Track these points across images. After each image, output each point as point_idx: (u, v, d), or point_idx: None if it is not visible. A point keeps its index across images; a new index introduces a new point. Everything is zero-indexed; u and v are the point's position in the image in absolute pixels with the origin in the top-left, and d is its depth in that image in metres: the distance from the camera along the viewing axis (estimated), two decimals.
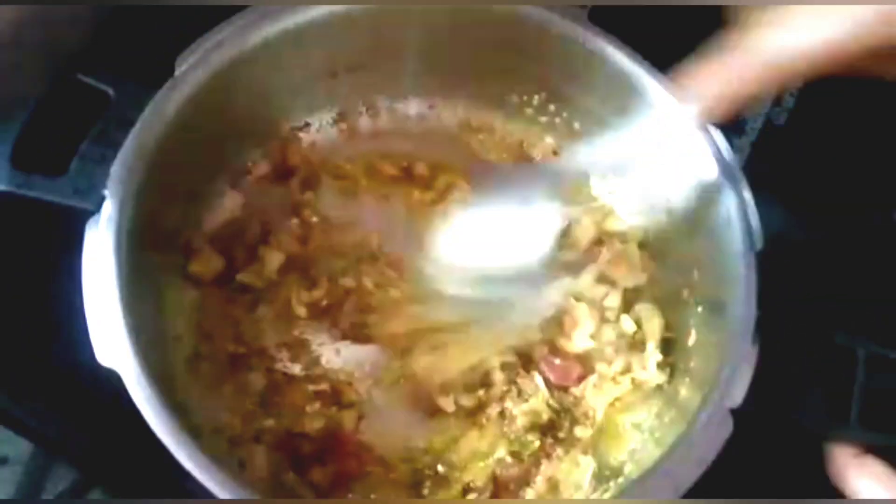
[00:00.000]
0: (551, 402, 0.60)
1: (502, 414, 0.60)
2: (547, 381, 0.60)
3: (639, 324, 0.62)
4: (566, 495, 0.58)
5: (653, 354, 0.61)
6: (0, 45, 0.58)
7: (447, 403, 0.59)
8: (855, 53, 0.36)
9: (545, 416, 0.59)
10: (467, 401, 0.60)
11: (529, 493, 0.58)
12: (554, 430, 0.60)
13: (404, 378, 0.60)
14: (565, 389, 0.61)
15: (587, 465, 0.58)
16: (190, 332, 0.60)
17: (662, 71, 0.59)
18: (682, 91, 0.43)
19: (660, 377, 0.60)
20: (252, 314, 0.61)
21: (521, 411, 0.59)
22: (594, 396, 0.60)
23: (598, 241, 0.65)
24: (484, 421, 0.60)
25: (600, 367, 0.61)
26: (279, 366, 0.60)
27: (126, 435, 0.49)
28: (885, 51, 0.36)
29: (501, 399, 0.60)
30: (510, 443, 0.59)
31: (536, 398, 0.59)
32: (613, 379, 0.61)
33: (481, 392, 0.60)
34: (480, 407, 0.60)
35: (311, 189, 0.66)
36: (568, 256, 0.64)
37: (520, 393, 0.60)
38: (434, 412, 0.60)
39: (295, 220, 0.64)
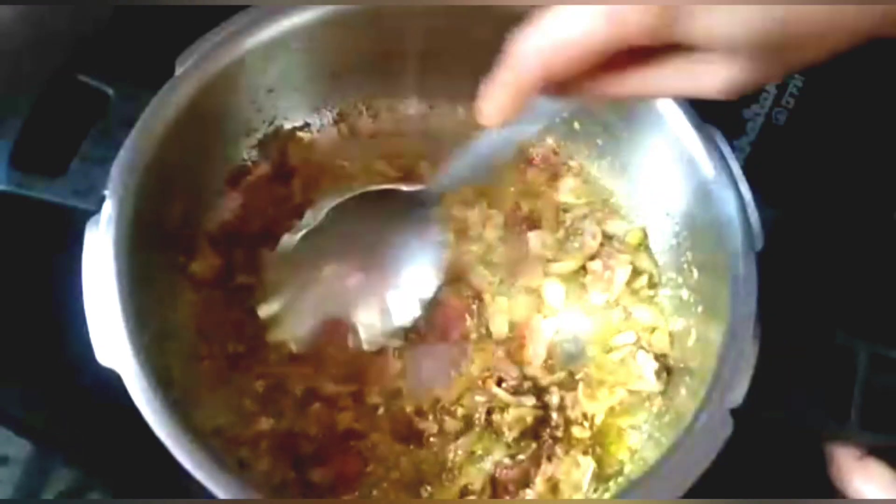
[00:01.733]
0: (528, 403, 0.59)
1: (491, 423, 0.59)
2: (516, 388, 0.60)
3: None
4: (566, 496, 0.58)
5: (648, 363, 0.60)
6: (0, 48, 0.58)
7: (429, 426, 0.59)
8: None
9: (530, 419, 0.59)
10: (450, 424, 0.60)
11: (529, 494, 0.58)
12: (547, 428, 0.60)
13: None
14: (545, 389, 0.61)
15: (587, 465, 0.58)
16: (190, 332, 0.60)
17: None
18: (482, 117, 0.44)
19: (657, 386, 0.60)
20: (251, 314, 0.61)
21: (506, 421, 0.59)
22: (590, 403, 0.60)
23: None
24: (476, 427, 0.59)
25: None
26: (278, 366, 0.60)
27: (126, 435, 0.49)
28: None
29: (489, 412, 0.60)
30: (507, 446, 0.59)
31: (516, 408, 0.59)
32: (610, 388, 0.61)
33: (459, 410, 0.60)
34: (468, 423, 0.60)
35: (311, 189, 0.66)
36: (570, 265, 0.64)
37: (504, 407, 0.60)
38: (416, 437, 0.59)
39: (296, 221, 0.64)
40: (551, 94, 0.41)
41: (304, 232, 0.57)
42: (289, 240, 0.58)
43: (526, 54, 0.39)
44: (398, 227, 0.59)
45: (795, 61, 0.38)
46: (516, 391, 0.60)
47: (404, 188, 0.57)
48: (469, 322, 0.63)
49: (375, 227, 0.59)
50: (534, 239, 0.65)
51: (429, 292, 0.60)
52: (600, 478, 0.58)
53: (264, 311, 0.60)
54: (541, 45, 0.38)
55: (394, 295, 0.61)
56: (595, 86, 0.40)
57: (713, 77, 0.38)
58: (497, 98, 0.41)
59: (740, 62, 0.37)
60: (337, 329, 0.60)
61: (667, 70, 0.39)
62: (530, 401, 0.59)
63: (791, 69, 0.39)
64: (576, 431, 0.60)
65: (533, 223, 0.66)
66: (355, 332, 0.60)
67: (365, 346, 0.60)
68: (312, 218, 0.57)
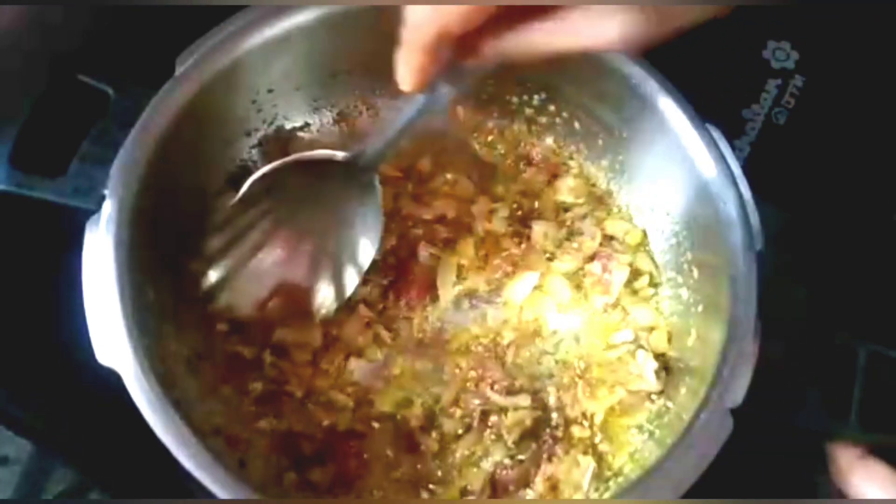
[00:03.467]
0: (524, 403, 0.59)
1: (489, 425, 0.59)
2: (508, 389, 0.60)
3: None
4: (566, 495, 0.58)
5: (648, 362, 0.60)
6: (1, 49, 0.58)
7: (429, 442, 0.59)
8: None
9: (528, 421, 0.59)
10: (449, 426, 0.59)
11: (529, 494, 0.58)
12: (546, 428, 0.60)
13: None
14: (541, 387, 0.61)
15: (587, 465, 0.58)
16: (190, 332, 0.59)
17: (662, 71, 0.59)
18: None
19: (657, 385, 0.60)
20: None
21: (505, 425, 0.59)
22: (590, 402, 0.60)
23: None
24: (474, 429, 0.59)
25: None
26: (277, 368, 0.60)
27: (126, 435, 0.49)
28: None
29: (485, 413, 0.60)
30: (507, 447, 0.59)
31: (514, 410, 0.59)
32: (610, 388, 0.61)
33: (458, 411, 0.60)
34: (466, 424, 0.60)
35: None
36: (570, 266, 0.64)
37: (503, 409, 0.60)
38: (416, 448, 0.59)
39: None
40: (460, 54, 0.43)
41: (238, 197, 0.57)
42: (225, 206, 0.58)
43: (418, 13, 0.41)
44: (336, 195, 0.59)
45: (687, 12, 0.39)
46: (509, 391, 0.60)
47: (338, 155, 0.56)
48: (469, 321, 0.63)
49: (313, 195, 0.59)
50: (538, 229, 0.65)
51: (366, 262, 0.60)
52: (600, 478, 0.58)
53: (205, 281, 0.59)
54: (429, 9, 0.40)
55: (338, 263, 0.61)
56: (499, 43, 0.41)
57: (608, 28, 0.39)
58: (407, 61, 0.43)
59: (629, 12, 0.38)
60: (292, 294, 0.60)
61: (565, 23, 0.40)
62: (525, 400, 0.59)
63: (686, 21, 0.40)
64: (576, 431, 0.60)
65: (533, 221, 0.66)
66: (311, 297, 0.60)
67: (320, 312, 0.60)
68: (249, 184, 0.57)
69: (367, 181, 0.58)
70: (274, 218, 0.59)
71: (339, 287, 0.60)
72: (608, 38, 0.40)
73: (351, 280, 0.60)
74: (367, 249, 0.60)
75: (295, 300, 0.60)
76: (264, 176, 0.56)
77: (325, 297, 0.61)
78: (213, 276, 0.59)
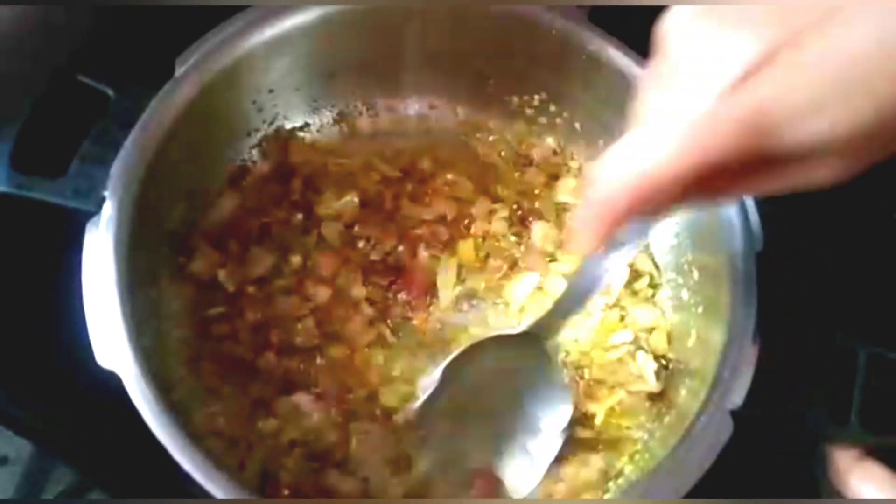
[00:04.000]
0: None
1: None
2: None
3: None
4: (570, 496, 0.58)
5: (648, 363, 0.60)
6: (2, 50, 0.58)
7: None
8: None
9: None
10: None
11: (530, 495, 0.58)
12: None
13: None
14: None
15: (590, 464, 0.58)
16: (190, 332, 0.60)
17: None
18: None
19: (657, 386, 0.60)
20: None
21: None
22: (590, 403, 0.60)
23: None
24: None
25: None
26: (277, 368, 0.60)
27: (126, 435, 0.49)
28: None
29: None
30: None
31: None
32: (610, 388, 0.61)
33: None
34: None
35: (311, 189, 0.66)
36: (569, 266, 0.64)
37: None
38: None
39: (299, 215, 0.64)
40: (646, 216, 0.39)
41: (429, 393, 0.56)
42: (417, 404, 0.57)
43: (613, 187, 0.36)
44: (517, 371, 0.57)
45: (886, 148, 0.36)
46: None
47: (509, 332, 0.55)
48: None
49: (497, 376, 0.57)
50: (537, 231, 0.65)
51: (564, 423, 0.57)
52: (601, 478, 0.58)
53: (416, 470, 0.57)
54: (627, 175, 0.36)
55: (533, 437, 0.58)
56: (691, 201, 0.38)
57: (821, 174, 0.36)
58: (589, 229, 0.38)
59: (845, 157, 0.35)
60: (485, 481, 0.58)
61: (769, 175, 0.36)
62: None
63: (885, 156, 0.36)
64: (576, 431, 0.60)
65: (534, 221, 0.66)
66: (501, 482, 0.58)
67: (514, 496, 0.57)
68: (432, 379, 0.56)
69: (544, 352, 0.56)
70: (454, 405, 0.57)
71: (533, 460, 0.58)
72: (814, 184, 0.36)
73: (548, 450, 0.58)
74: (556, 420, 0.57)
75: (488, 485, 0.58)
76: (447, 365, 0.55)
77: (518, 474, 0.58)
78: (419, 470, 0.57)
